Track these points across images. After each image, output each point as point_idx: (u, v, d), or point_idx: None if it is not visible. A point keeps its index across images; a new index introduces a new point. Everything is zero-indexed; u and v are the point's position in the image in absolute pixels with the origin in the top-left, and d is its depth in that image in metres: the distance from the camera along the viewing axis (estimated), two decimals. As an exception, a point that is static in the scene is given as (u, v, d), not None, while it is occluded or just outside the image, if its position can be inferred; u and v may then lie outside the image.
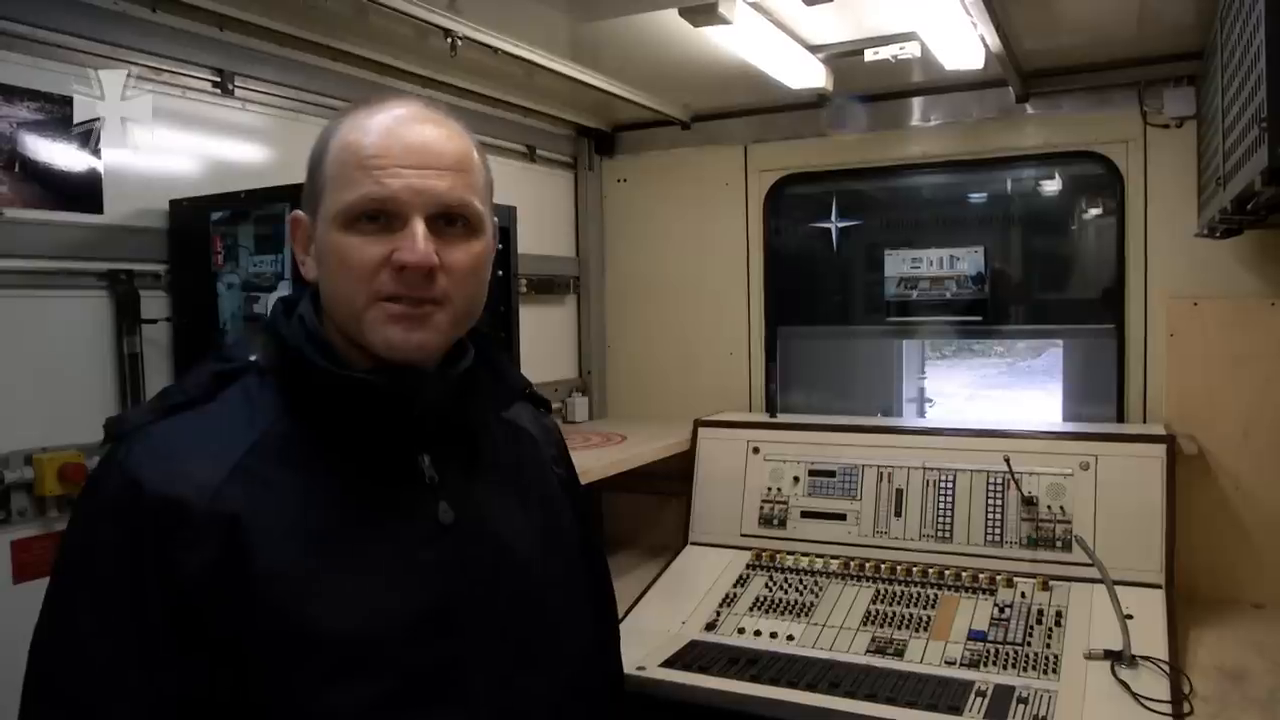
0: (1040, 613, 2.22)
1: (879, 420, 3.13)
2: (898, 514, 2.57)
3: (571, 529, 1.19)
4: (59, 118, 1.84)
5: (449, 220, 0.97)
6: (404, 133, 0.95)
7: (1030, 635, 2.15)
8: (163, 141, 2.03)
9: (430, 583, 0.97)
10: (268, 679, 0.89)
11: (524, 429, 1.17)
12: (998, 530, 2.45)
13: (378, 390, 0.96)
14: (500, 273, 2.35)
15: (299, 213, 1.01)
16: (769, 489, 2.75)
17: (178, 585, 0.88)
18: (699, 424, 2.95)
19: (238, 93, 2.19)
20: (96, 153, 1.90)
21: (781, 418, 3.06)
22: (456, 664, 0.97)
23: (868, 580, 2.47)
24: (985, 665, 2.07)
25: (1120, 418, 2.78)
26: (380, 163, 0.93)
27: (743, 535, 2.72)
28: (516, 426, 1.16)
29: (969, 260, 3.01)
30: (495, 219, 1.05)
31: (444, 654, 0.96)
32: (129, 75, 1.90)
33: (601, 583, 1.30)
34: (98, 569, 0.90)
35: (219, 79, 2.15)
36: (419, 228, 0.93)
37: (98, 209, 1.92)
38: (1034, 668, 2.04)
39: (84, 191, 1.90)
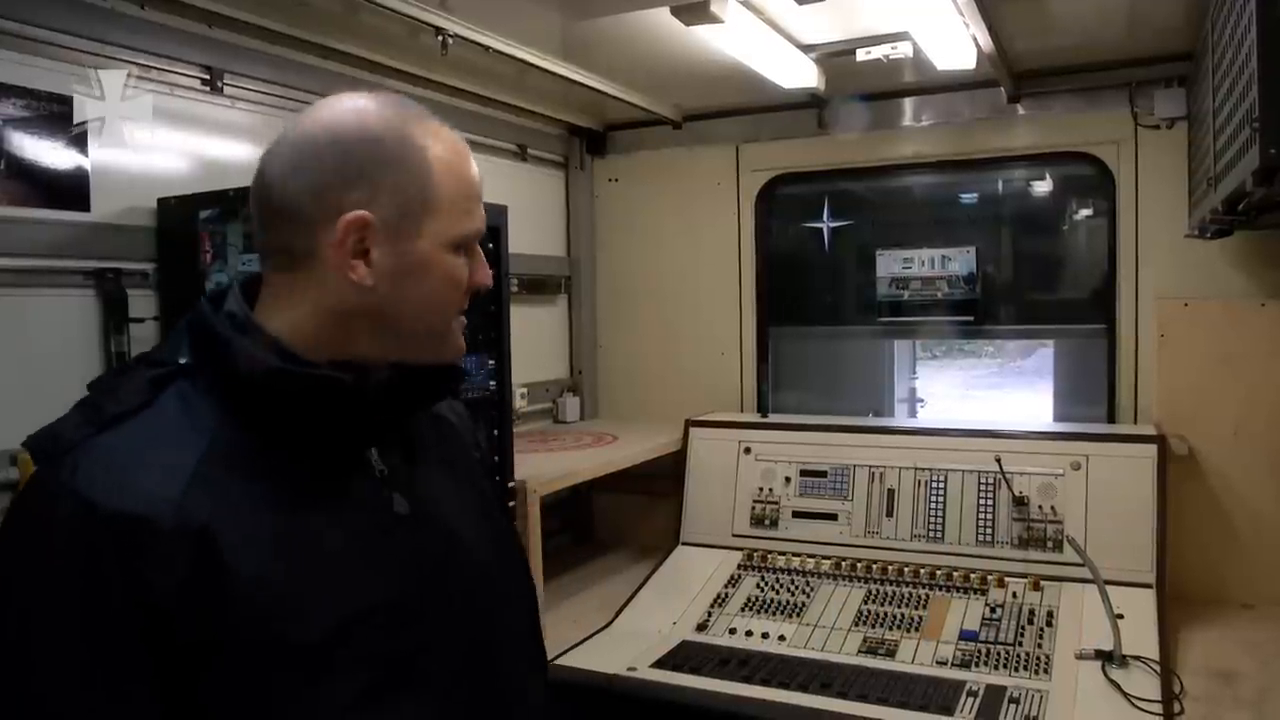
0: (1031, 613, 2.22)
1: (870, 420, 3.12)
2: (889, 514, 2.57)
3: (495, 510, 1.24)
4: (47, 115, 1.82)
5: None
6: (474, 166, 1.04)
7: (1022, 635, 2.16)
8: (151, 140, 2.01)
9: (391, 574, 0.98)
10: (247, 688, 0.88)
11: (444, 417, 1.21)
12: (989, 530, 2.45)
13: (337, 387, 0.95)
14: (491, 272, 2.35)
15: (369, 215, 0.94)
16: (760, 489, 2.75)
17: (149, 607, 0.84)
18: (690, 424, 2.94)
19: (227, 90, 2.17)
20: (84, 151, 1.88)
21: (773, 418, 3.06)
22: (422, 651, 0.98)
23: (859, 581, 2.47)
24: (977, 665, 2.07)
25: (1111, 418, 2.78)
26: (477, 194, 1.03)
27: (734, 535, 2.71)
28: (438, 415, 1.20)
29: (960, 260, 3.01)
30: None
31: (410, 643, 0.97)
32: (129, 75, 1.89)
33: (522, 559, 1.33)
34: (55, 603, 0.84)
35: (208, 77, 2.13)
36: (481, 255, 1.04)
37: (85, 207, 1.90)
38: (1025, 668, 2.04)
39: (71, 189, 1.88)
